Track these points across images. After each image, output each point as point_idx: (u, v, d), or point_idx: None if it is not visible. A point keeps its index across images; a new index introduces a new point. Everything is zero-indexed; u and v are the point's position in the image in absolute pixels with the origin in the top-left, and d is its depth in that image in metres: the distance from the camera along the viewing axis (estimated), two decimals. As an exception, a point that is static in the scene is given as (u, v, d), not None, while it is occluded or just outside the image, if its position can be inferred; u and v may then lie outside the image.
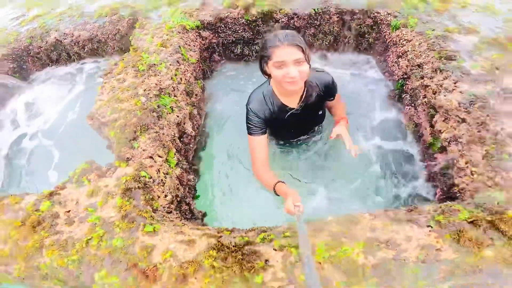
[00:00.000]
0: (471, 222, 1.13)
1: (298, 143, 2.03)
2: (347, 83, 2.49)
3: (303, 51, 1.38)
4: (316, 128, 2.00)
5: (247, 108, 1.64)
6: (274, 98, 1.64)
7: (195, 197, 1.96)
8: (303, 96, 1.65)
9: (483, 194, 1.24)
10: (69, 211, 1.38)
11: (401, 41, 2.06)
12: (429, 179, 1.79)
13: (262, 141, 1.68)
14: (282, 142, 2.03)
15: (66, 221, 1.34)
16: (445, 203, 1.22)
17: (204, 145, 2.30)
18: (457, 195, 1.44)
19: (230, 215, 1.89)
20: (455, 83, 1.60)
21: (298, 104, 1.66)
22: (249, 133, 1.68)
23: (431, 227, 1.15)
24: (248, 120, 1.66)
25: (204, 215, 1.89)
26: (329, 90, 1.72)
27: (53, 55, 2.62)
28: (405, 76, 2.03)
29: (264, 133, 1.68)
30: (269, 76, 1.58)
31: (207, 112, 2.46)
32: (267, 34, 1.49)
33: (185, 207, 1.74)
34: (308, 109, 1.70)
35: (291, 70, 1.38)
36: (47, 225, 1.32)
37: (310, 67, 1.46)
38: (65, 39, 2.49)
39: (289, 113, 1.68)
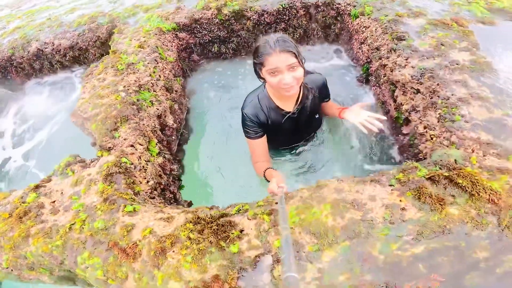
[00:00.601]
0: (430, 179, 1.13)
1: (295, 150, 1.95)
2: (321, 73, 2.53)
3: (295, 55, 1.30)
4: (313, 134, 1.92)
5: (242, 113, 1.56)
6: (270, 102, 1.54)
7: (179, 187, 1.95)
8: (299, 99, 1.56)
9: (440, 152, 1.27)
10: (54, 201, 1.35)
11: (361, 28, 2.11)
12: (401, 152, 1.82)
13: (259, 142, 1.60)
14: (278, 150, 1.94)
15: (51, 211, 1.32)
16: (404, 162, 1.24)
17: (188, 139, 2.30)
18: (422, 160, 1.46)
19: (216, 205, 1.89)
20: (406, 59, 1.66)
21: (294, 107, 1.57)
22: (247, 137, 1.60)
23: (393, 186, 1.16)
24: (244, 125, 1.57)
25: (190, 204, 1.88)
26: (323, 91, 1.65)
27: (35, 64, 2.58)
28: (368, 60, 2.08)
29: (261, 136, 1.59)
30: (264, 79, 1.47)
31: (190, 108, 2.46)
32: (258, 39, 1.39)
33: (170, 195, 1.73)
34: (304, 112, 1.61)
35: (285, 76, 1.30)
36: (33, 215, 1.29)
37: (304, 70, 1.39)
38: (46, 48, 2.46)
39: (285, 117, 1.58)
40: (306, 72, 1.52)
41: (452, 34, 1.82)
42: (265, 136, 1.62)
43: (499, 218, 0.99)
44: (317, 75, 1.64)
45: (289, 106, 1.57)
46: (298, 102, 1.57)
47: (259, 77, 1.47)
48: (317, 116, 1.71)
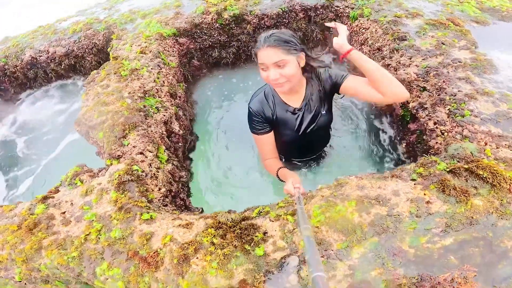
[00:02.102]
0: (451, 171, 1.15)
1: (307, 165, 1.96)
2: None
3: (287, 52, 1.28)
4: (324, 149, 1.96)
5: (248, 108, 1.57)
6: (275, 97, 1.55)
7: (189, 194, 1.92)
8: (305, 94, 1.54)
9: (455, 145, 1.29)
10: (64, 212, 1.31)
11: (360, 29, 2.16)
12: (409, 150, 1.85)
13: (267, 138, 1.60)
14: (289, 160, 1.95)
15: (63, 222, 1.27)
16: (422, 157, 1.26)
17: (193, 145, 2.28)
18: (436, 155, 1.48)
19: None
20: (410, 58, 1.71)
21: (301, 103, 1.56)
22: (253, 133, 1.61)
23: (415, 180, 1.17)
24: (249, 120, 1.59)
25: (201, 211, 1.84)
26: (328, 83, 1.55)
27: (30, 73, 2.50)
28: (370, 60, 2.13)
29: (267, 132, 1.59)
30: None
31: (193, 114, 2.44)
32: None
33: (180, 202, 1.70)
34: (310, 108, 1.59)
35: (270, 73, 1.32)
36: (43, 227, 1.24)
37: (310, 66, 1.41)
38: (41, 56, 2.39)
39: (291, 113, 1.57)
40: (314, 67, 1.51)
41: (450, 33, 1.89)
42: (272, 132, 1.62)
43: (521, 207, 1.02)
44: (320, 70, 1.57)
45: (295, 102, 1.56)
46: (304, 98, 1.55)
47: None
48: (323, 112, 1.65)
